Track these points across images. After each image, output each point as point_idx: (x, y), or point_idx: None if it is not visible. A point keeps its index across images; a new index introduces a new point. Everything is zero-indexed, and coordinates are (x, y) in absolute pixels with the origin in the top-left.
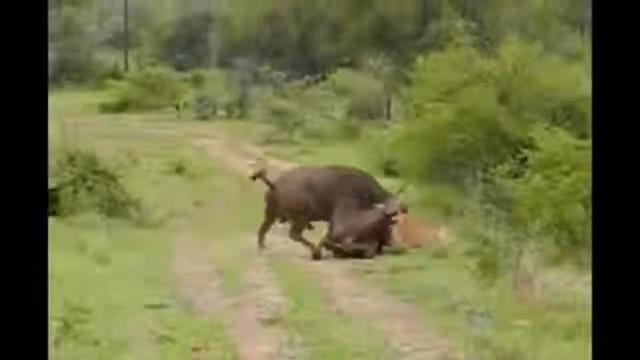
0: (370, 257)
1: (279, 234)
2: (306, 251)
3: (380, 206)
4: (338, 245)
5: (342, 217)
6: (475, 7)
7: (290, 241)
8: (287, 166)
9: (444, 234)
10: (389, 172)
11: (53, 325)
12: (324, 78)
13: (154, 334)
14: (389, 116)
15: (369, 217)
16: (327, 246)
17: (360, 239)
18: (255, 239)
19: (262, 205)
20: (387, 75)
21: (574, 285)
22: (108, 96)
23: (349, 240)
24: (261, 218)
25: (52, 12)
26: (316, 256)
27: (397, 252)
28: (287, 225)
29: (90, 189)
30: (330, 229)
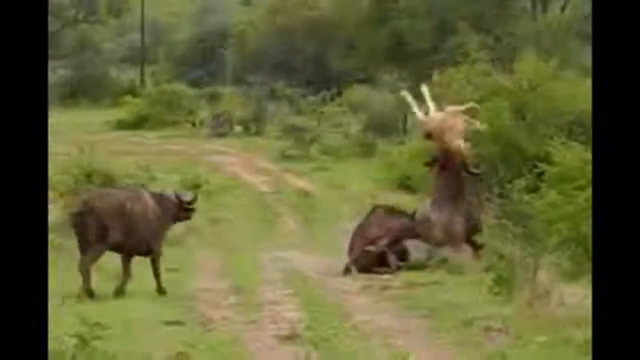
0: (391, 271)
1: (293, 249)
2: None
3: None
4: (371, 248)
5: (379, 221)
6: (491, 23)
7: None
8: (302, 182)
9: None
10: (405, 188)
11: (70, 342)
12: (339, 94)
13: (171, 350)
14: (405, 132)
15: (403, 220)
16: (361, 254)
17: (394, 242)
18: (270, 255)
19: (278, 222)
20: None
21: (590, 301)
22: (124, 113)
23: (382, 242)
24: (276, 235)
25: (68, 30)
26: (348, 267)
27: (414, 268)
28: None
29: None
30: (365, 232)
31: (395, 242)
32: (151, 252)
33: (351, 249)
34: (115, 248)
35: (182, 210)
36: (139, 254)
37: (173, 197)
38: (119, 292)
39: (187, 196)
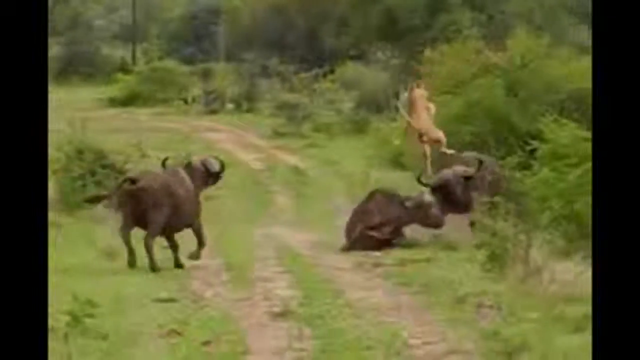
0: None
1: (286, 226)
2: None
3: (419, 197)
4: (374, 234)
5: (381, 207)
6: (483, 0)
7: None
8: (294, 159)
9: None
10: (398, 165)
11: (62, 319)
12: (332, 71)
13: (164, 327)
14: (397, 109)
15: (406, 207)
16: (362, 236)
17: (397, 229)
18: (263, 232)
19: (271, 199)
20: (396, 68)
21: (582, 277)
22: (116, 90)
23: (386, 230)
24: (268, 212)
25: (59, 7)
26: (348, 248)
27: (407, 245)
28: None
29: (98, 183)
30: (368, 218)
31: (397, 229)
32: (193, 227)
33: (349, 232)
34: (166, 227)
35: (209, 178)
36: (180, 229)
37: (200, 166)
38: (178, 265)
39: (215, 166)
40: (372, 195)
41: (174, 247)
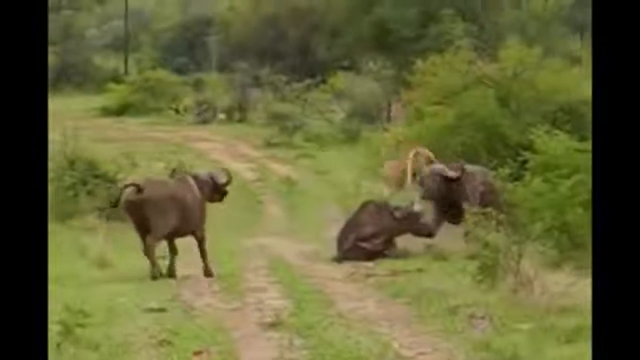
0: (392, 255)
1: (278, 236)
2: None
3: (409, 208)
4: (365, 245)
5: (373, 218)
6: (476, 11)
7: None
8: (286, 169)
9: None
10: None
11: (54, 329)
12: (324, 81)
13: (155, 337)
14: (389, 119)
15: (396, 218)
16: (354, 247)
17: (388, 239)
18: (254, 242)
19: (263, 209)
20: (387, 79)
21: (574, 289)
22: (108, 100)
23: (377, 241)
24: (260, 222)
25: (51, 16)
26: (339, 258)
27: (398, 256)
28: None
29: (90, 192)
30: (359, 229)
31: (389, 240)
32: (197, 235)
33: (341, 243)
34: (170, 233)
35: (216, 192)
36: (183, 236)
37: (208, 179)
38: (171, 274)
39: (222, 178)
40: (364, 206)
41: (172, 251)
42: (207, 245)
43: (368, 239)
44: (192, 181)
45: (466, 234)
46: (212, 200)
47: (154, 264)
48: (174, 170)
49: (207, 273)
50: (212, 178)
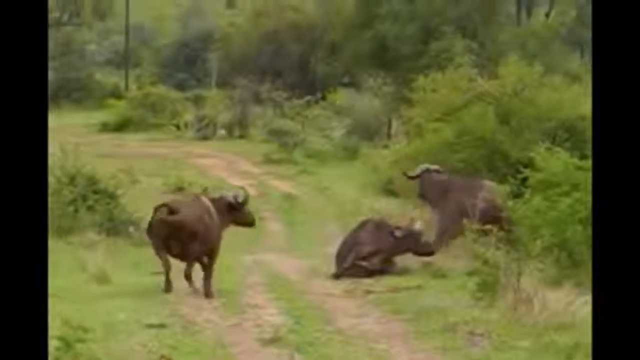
0: (392, 272)
1: (278, 252)
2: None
3: (409, 227)
4: (365, 264)
5: (372, 236)
6: (476, 28)
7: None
8: (286, 185)
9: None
10: (389, 192)
11: (53, 344)
12: (324, 98)
13: (154, 353)
14: (389, 136)
15: (396, 237)
16: (353, 266)
17: (388, 258)
18: (254, 258)
19: (262, 225)
20: (387, 95)
21: (573, 306)
22: (108, 115)
23: (377, 259)
24: (260, 238)
25: (52, 32)
26: (338, 275)
27: (397, 273)
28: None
29: (90, 208)
30: (359, 248)
31: (388, 258)
32: (210, 256)
33: (340, 260)
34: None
35: (236, 212)
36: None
37: (225, 199)
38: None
39: (239, 197)
40: (363, 224)
41: (189, 276)
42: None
43: (367, 257)
44: (209, 203)
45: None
46: (230, 220)
47: (192, 287)
48: (205, 189)
49: (208, 294)
50: (234, 197)
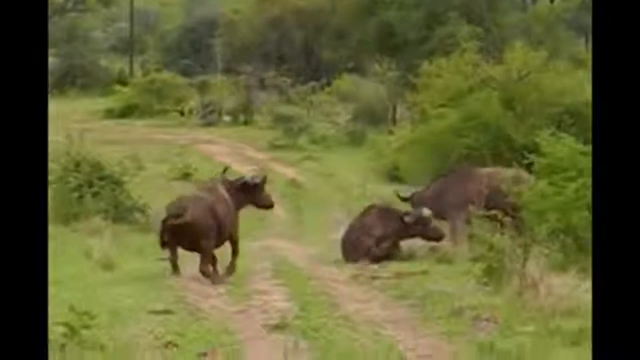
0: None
1: (283, 239)
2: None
3: (415, 210)
4: (372, 249)
5: (380, 222)
6: (481, 13)
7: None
8: (291, 172)
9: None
10: (394, 178)
11: (58, 330)
12: (328, 84)
13: (160, 339)
14: (394, 122)
15: (406, 222)
16: (360, 252)
17: (395, 243)
18: (260, 244)
19: (267, 211)
20: (392, 81)
21: (579, 291)
22: (113, 102)
23: (385, 245)
24: (265, 225)
25: (56, 18)
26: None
27: (403, 258)
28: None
29: (95, 194)
30: (366, 234)
31: (396, 243)
32: (232, 239)
33: (346, 246)
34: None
35: (253, 193)
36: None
37: (247, 182)
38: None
39: (256, 178)
40: (369, 210)
41: (213, 261)
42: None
43: (375, 243)
44: (222, 189)
45: (470, 236)
46: (256, 204)
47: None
48: (225, 170)
49: (230, 270)
50: (252, 179)
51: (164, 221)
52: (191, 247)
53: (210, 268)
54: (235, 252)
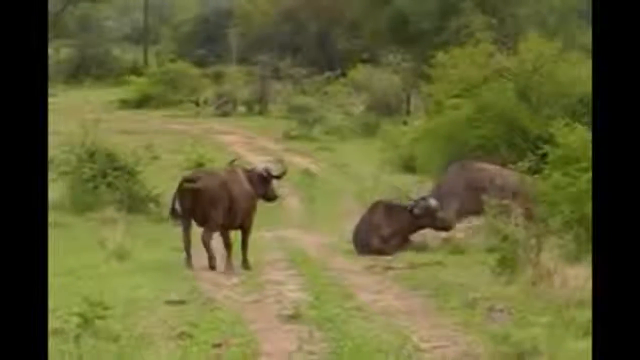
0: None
1: (297, 229)
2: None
3: (425, 203)
4: (384, 246)
5: (389, 217)
6: (495, 3)
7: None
8: (306, 162)
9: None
10: (408, 169)
11: (73, 320)
12: (343, 74)
13: (174, 329)
14: (408, 112)
15: (414, 213)
16: (372, 250)
17: (406, 237)
18: (274, 234)
19: (282, 201)
20: (407, 71)
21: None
22: (127, 92)
23: (396, 241)
24: (279, 215)
25: (70, 8)
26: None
27: (417, 249)
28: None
29: (110, 185)
30: (377, 231)
31: (405, 237)
32: (243, 227)
33: (357, 246)
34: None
35: (266, 183)
36: (234, 228)
37: (260, 171)
38: (229, 267)
39: (276, 170)
40: (375, 207)
41: (228, 245)
42: (250, 239)
43: (385, 241)
44: (242, 174)
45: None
46: (265, 196)
47: (211, 256)
48: (232, 161)
49: (246, 265)
50: (265, 170)
51: (179, 188)
52: (201, 218)
53: (211, 240)
54: (245, 244)
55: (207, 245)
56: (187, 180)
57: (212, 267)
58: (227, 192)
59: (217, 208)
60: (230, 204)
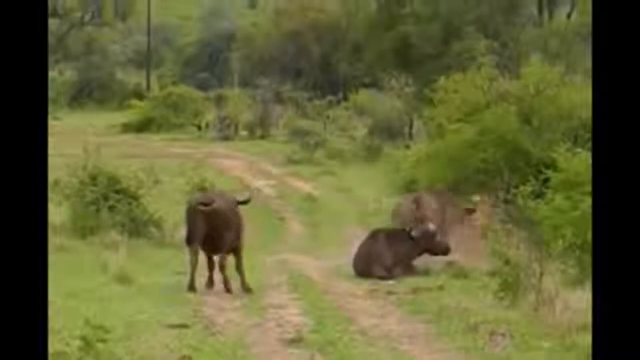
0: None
1: (299, 253)
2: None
3: (424, 227)
4: (386, 274)
5: (389, 245)
6: (498, 28)
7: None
8: (308, 186)
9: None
10: (410, 192)
11: (74, 344)
12: (345, 98)
13: (176, 353)
14: (410, 136)
15: (414, 237)
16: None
17: (408, 264)
18: (276, 258)
19: (284, 226)
20: (409, 95)
21: None
22: (130, 115)
23: (398, 270)
24: (281, 239)
25: (74, 32)
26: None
27: (419, 273)
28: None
29: (112, 208)
30: (379, 260)
31: (408, 264)
32: (236, 251)
33: (358, 271)
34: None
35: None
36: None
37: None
38: (229, 290)
39: (244, 196)
40: (375, 235)
41: (223, 267)
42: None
43: (388, 270)
44: (232, 197)
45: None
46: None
47: (227, 280)
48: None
49: (245, 287)
50: (236, 197)
51: (191, 210)
52: (214, 241)
53: (227, 266)
54: (240, 268)
55: (224, 268)
56: (201, 203)
57: (228, 290)
58: (236, 216)
59: (230, 229)
60: (237, 226)
